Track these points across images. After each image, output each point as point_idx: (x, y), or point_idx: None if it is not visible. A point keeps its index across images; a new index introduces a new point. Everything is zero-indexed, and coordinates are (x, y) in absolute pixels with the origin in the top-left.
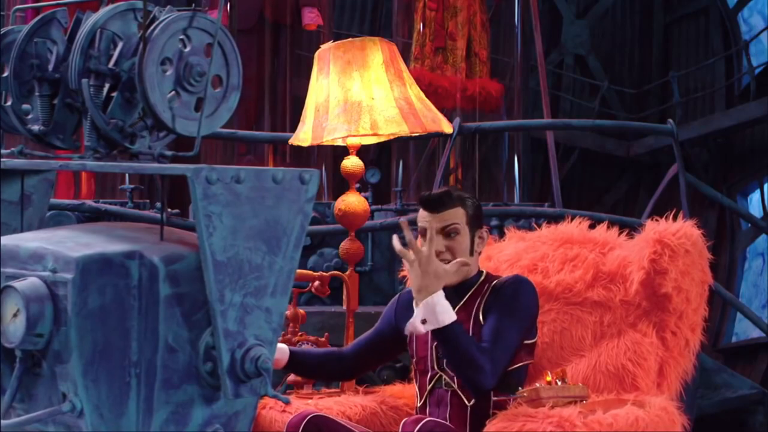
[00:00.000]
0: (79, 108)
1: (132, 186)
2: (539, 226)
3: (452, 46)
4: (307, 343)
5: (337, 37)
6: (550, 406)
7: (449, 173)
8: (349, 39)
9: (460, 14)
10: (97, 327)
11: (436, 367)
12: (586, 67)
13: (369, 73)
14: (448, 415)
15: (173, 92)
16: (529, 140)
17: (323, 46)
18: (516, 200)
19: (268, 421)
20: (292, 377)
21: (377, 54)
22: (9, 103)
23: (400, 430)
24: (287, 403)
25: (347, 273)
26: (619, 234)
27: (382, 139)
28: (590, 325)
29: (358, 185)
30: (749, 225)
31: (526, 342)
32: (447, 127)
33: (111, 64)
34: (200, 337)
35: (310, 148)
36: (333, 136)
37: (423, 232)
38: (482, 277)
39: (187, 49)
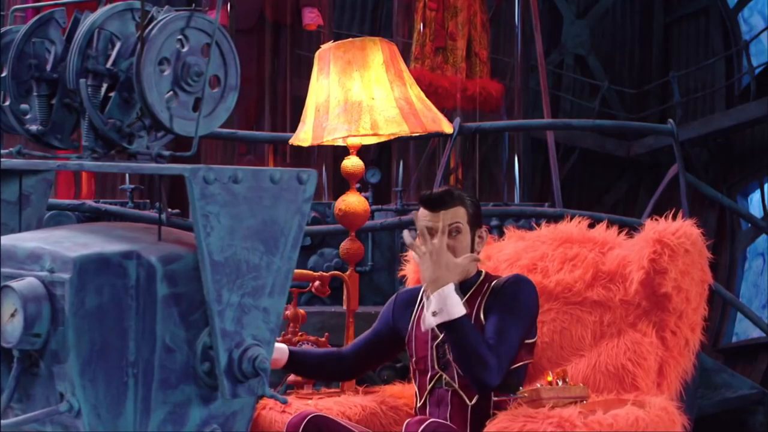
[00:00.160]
0: (77, 108)
1: (132, 186)
2: (539, 226)
3: (452, 46)
4: (308, 343)
5: (337, 37)
6: (550, 406)
7: (449, 173)
8: (350, 39)
9: (461, 14)
10: (94, 327)
11: (436, 367)
12: (586, 67)
13: (369, 73)
14: (448, 415)
15: (171, 92)
16: (529, 140)
17: (323, 46)
18: (516, 200)
19: (268, 422)
20: (292, 377)
21: (377, 54)
22: (7, 103)
23: (403, 430)
24: (285, 403)
25: (347, 273)
26: (619, 234)
27: (383, 139)
28: (590, 324)
29: (358, 185)
30: (749, 225)
31: (527, 341)
32: (447, 127)
33: (109, 64)
34: (198, 337)
35: (311, 148)
36: (333, 136)
37: (423, 232)
38: (482, 277)
39: (185, 49)
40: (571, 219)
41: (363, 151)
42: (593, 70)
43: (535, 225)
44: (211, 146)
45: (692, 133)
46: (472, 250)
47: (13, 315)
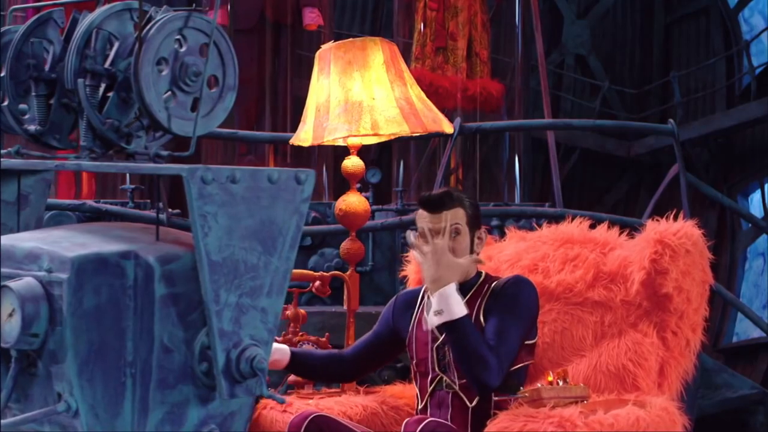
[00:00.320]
0: (76, 108)
1: (133, 186)
2: (540, 226)
3: (453, 46)
4: (308, 343)
5: (337, 37)
6: (551, 406)
7: (450, 173)
8: (350, 39)
9: (461, 14)
10: (92, 327)
11: (437, 369)
12: (586, 67)
13: (370, 73)
14: (449, 417)
15: (169, 92)
16: (529, 140)
17: (324, 46)
18: (517, 200)
19: (269, 421)
20: (292, 377)
21: (378, 54)
22: (6, 103)
23: (402, 430)
24: (282, 403)
25: (348, 273)
26: (620, 234)
27: (383, 139)
28: (591, 325)
29: (358, 185)
30: (750, 225)
31: (527, 342)
32: (448, 127)
33: (107, 64)
34: (196, 337)
35: (311, 148)
36: (334, 136)
37: (423, 233)
38: (482, 278)
39: (183, 49)
40: (572, 219)
41: (363, 151)
42: (594, 70)
43: (535, 225)
44: (212, 146)
45: (693, 133)
46: (472, 251)
47: (11, 315)
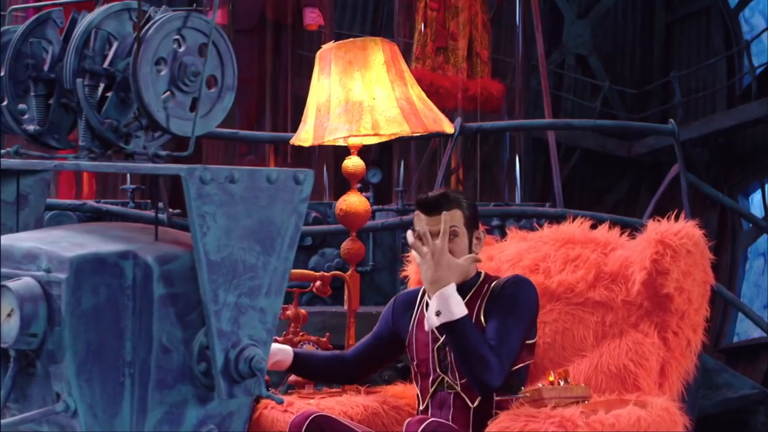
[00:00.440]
0: (75, 108)
1: (133, 186)
2: (540, 226)
3: (453, 46)
4: (309, 344)
5: (338, 37)
6: (552, 406)
7: (450, 173)
8: (351, 39)
9: (462, 14)
10: (90, 327)
11: (438, 370)
12: (587, 67)
13: (370, 73)
14: (450, 417)
15: (168, 92)
16: (530, 140)
17: (324, 46)
18: (517, 200)
19: (270, 421)
20: (293, 377)
21: (378, 54)
22: (5, 103)
23: (404, 430)
24: (281, 403)
25: (348, 273)
26: (621, 234)
27: (384, 139)
28: (592, 325)
29: (359, 185)
30: (750, 225)
31: (527, 342)
32: (448, 127)
33: (106, 64)
34: (194, 337)
35: (312, 148)
36: (334, 136)
37: (424, 233)
38: (481, 278)
39: (182, 49)
40: (573, 219)
41: (364, 151)
42: (594, 70)
43: (536, 225)
44: (213, 146)
45: (693, 133)
46: (470, 252)
47: (9, 315)
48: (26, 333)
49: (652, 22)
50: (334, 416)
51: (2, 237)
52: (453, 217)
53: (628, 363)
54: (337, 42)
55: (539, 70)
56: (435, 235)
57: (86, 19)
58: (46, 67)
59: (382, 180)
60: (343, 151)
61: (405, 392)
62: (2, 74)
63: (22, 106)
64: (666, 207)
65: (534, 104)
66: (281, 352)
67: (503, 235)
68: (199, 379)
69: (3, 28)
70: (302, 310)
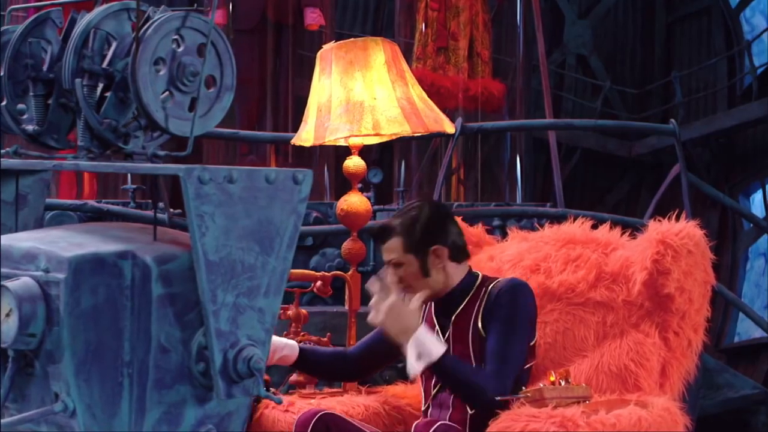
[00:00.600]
0: (74, 108)
1: (134, 186)
2: (541, 226)
3: (454, 46)
4: (310, 344)
5: (339, 38)
6: (553, 406)
7: (451, 173)
8: (352, 39)
9: (463, 14)
10: (89, 327)
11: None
12: (588, 67)
13: (371, 73)
14: (449, 417)
15: (166, 92)
16: (531, 140)
17: (325, 46)
18: (518, 200)
19: (271, 421)
20: (294, 377)
21: (379, 54)
22: (4, 103)
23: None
24: (279, 403)
25: (349, 273)
26: (622, 234)
27: (385, 139)
28: (593, 325)
29: (360, 185)
30: (751, 225)
31: (529, 345)
32: (449, 127)
33: (105, 64)
34: (193, 337)
35: (313, 148)
36: (335, 136)
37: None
38: (478, 281)
39: (181, 49)
40: (574, 219)
41: (365, 151)
42: (595, 70)
43: (537, 225)
44: (213, 146)
45: (694, 133)
46: (427, 271)
47: (8, 315)
48: (25, 333)
49: (653, 22)
50: (340, 414)
51: (1, 237)
52: (391, 248)
53: (629, 363)
54: (338, 42)
55: (540, 70)
56: (387, 264)
57: (85, 19)
58: (45, 67)
59: (383, 180)
60: (344, 151)
61: (406, 392)
62: (1, 74)
63: (21, 106)
64: (667, 207)
65: (535, 104)
66: (288, 347)
67: (504, 235)
68: (198, 379)
69: (2, 28)
70: (303, 310)
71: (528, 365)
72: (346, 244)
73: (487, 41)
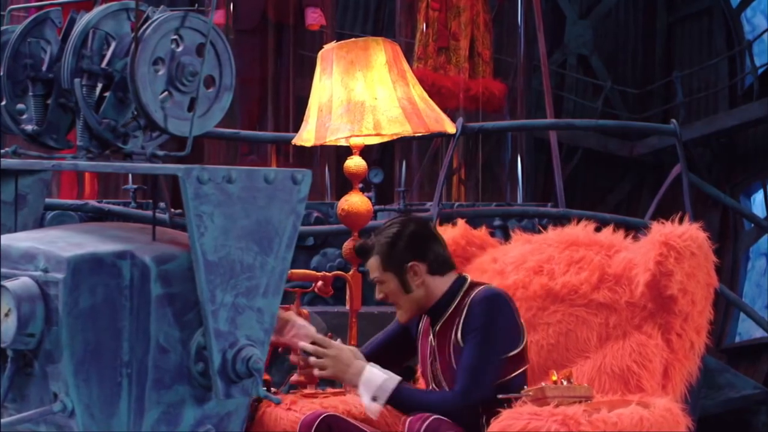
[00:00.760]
0: (73, 108)
1: (135, 186)
2: (542, 226)
3: (455, 46)
4: None
5: (340, 37)
6: (554, 405)
7: (452, 173)
8: (353, 39)
9: (463, 14)
10: (88, 327)
11: (433, 384)
12: (589, 67)
13: (372, 73)
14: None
15: (165, 92)
16: (532, 140)
17: (326, 46)
18: (519, 200)
19: (273, 420)
20: (295, 377)
21: (380, 54)
22: (3, 102)
23: (405, 427)
24: (278, 403)
25: (350, 273)
26: (625, 235)
27: (386, 139)
28: (595, 326)
29: (361, 185)
30: (752, 225)
31: (512, 354)
32: (450, 127)
33: (104, 64)
34: (192, 337)
35: (313, 148)
36: (336, 136)
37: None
38: (463, 290)
39: (180, 49)
40: (575, 220)
41: (366, 151)
42: (596, 70)
43: (538, 225)
44: (214, 146)
45: (695, 133)
46: (407, 287)
47: (7, 315)
48: (23, 333)
49: (654, 22)
50: (343, 416)
51: (1, 237)
52: (372, 267)
53: (632, 364)
54: (339, 42)
55: (541, 70)
56: (373, 281)
57: (84, 19)
58: (44, 67)
59: (384, 180)
60: (345, 151)
61: None
62: (1, 74)
63: (20, 106)
64: (668, 207)
65: (536, 104)
66: (304, 327)
67: (505, 235)
68: (197, 379)
69: (2, 28)
70: (304, 310)
71: (518, 371)
72: (347, 244)
73: (488, 41)
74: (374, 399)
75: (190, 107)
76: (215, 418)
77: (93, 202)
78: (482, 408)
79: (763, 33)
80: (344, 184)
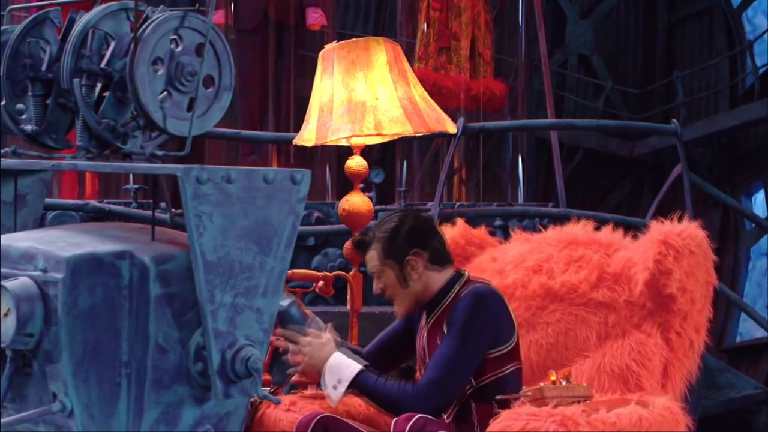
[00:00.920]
0: (72, 108)
1: (136, 186)
2: (543, 226)
3: (456, 46)
4: None
5: (341, 38)
6: (553, 405)
7: (453, 173)
8: (353, 39)
9: (464, 14)
10: (87, 327)
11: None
12: (590, 67)
13: (373, 73)
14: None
15: (165, 92)
16: (533, 140)
17: (327, 46)
18: (520, 200)
19: (273, 420)
20: (296, 377)
21: (381, 54)
22: (2, 102)
23: (392, 428)
24: (277, 403)
25: (351, 273)
26: (624, 235)
27: (386, 139)
28: (595, 325)
29: (362, 185)
30: (753, 225)
31: (497, 353)
32: (451, 127)
33: (103, 64)
34: (191, 337)
35: (314, 148)
36: (337, 136)
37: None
38: (458, 286)
39: (179, 49)
40: (576, 220)
41: (367, 151)
42: (597, 70)
43: (539, 225)
44: (215, 146)
45: (696, 133)
46: (405, 280)
47: (6, 315)
48: (23, 333)
49: (655, 22)
50: (339, 417)
51: (0, 237)
52: (371, 259)
53: (631, 363)
54: (340, 42)
55: (542, 70)
56: (372, 274)
57: (83, 19)
58: (43, 67)
59: (385, 180)
60: (346, 151)
61: None
62: (0, 74)
63: (19, 105)
64: (669, 207)
65: (537, 104)
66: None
67: (506, 235)
68: (196, 380)
69: (2, 28)
70: (307, 311)
71: (507, 371)
72: (348, 244)
73: (489, 41)
74: (335, 387)
75: (190, 107)
76: (214, 418)
77: (94, 202)
78: (476, 407)
79: (764, 33)
80: (345, 184)
